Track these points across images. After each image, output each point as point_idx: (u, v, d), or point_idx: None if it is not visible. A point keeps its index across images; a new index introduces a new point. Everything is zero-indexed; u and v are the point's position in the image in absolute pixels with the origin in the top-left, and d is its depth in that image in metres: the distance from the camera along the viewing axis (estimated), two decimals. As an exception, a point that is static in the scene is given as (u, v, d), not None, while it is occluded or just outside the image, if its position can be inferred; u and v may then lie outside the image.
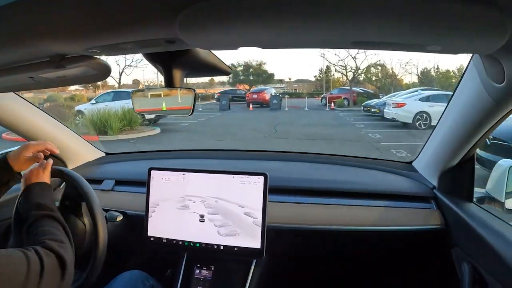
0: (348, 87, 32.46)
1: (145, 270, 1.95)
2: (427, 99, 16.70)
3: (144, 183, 1.98)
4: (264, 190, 1.83)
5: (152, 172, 1.96)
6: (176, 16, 0.84)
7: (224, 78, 50.91)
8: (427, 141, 2.03)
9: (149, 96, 1.58)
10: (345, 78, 37.60)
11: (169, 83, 1.36)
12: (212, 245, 1.87)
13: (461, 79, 1.56)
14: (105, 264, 1.66)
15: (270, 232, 1.87)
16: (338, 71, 41.69)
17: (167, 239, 1.92)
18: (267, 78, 51.94)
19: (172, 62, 1.35)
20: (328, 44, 1.13)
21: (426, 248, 2.01)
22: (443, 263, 1.87)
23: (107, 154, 2.74)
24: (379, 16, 0.84)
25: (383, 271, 2.28)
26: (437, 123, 1.88)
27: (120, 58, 43.78)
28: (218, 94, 36.90)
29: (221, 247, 1.86)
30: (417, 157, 2.25)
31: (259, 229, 1.81)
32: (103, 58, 1.29)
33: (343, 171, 2.42)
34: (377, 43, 1.03)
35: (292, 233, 1.98)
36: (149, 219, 1.95)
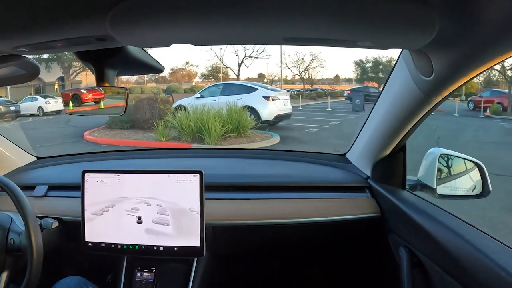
0: (500, 89, 25.78)
1: (86, 276, 1.89)
2: None
3: (78, 187, 1.92)
4: (200, 187, 1.82)
5: (86, 175, 1.90)
6: (107, 13, 0.82)
7: (351, 75, 47.22)
8: (359, 132, 2.08)
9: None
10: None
11: (101, 81, 1.34)
12: (152, 246, 1.84)
13: (391, 72, 1.61)
14: (43, 273, 1.60)
15: (209, 230, 1.87)
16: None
17: (105, 243, 1.87)
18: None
19: (103, 60, 1.32)
20: (259, 40, 1.14)
21: (364, 236, 2.07)
22: (382, 249, 1.92)
23: (38, 158, 2.64)
24: (310, 13, 0.85)
25: (324, 262, 2.33)
26: (369, 115, 1.93)
27: (239, 48, 41.67)
28: (349, 91, 32.45)
29: (161, 248, 1.83)
30: (350, 149, 2.30)
31: (198, 228, 1.80)
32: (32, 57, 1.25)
33: (279, 165, 2.44)
34: (309, 39, 1.04)
35: (231, 230, 1.98)
36: (85, 224, 1.89)
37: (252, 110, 14.30)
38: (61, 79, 38.52)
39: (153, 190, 1.85)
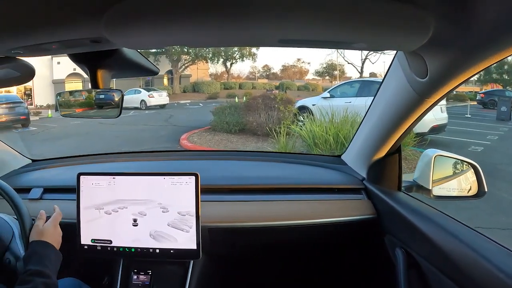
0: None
1: (81, 278, 1.89)
2: None
3: (74, 190, 1.91)
4: (196, 190, 1.81)
5: (81, 177, 1.90)
6: (102, 15, 0.82)
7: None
8: (355, 134, 2.09)
9: (74, 99, 1.53)
10: None
11: (96, 84, 1.33)
12: (148, 249, 1.84)
13: (386, 74, 1.61)
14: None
15: (205, 232, 1.87)
16: None
17: (101, 246, 1.87)
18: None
19: (98, 62, 1.32)
20: (255, 42, 1.14)
21: (360, 238, 2.07)
22: (378, 251, 1.93)
23: (33, 160, 2.63)
24: (304, 15, 0.86)
25: (320, 263, 2.33)
26: (364, 117, 1.94)
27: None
28: (482, 95, 27.92)
29: (157, 251, 1.83)
30: (345, 151, 2.31)
31: (194, 230, 1.80)
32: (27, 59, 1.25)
33: (274, 167, 2.45)
34: (304, 41, 1.05)
35: (227, 232, 1.98)
36: (81, 226, 1.88)
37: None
38: (170, 72, 38.67)
39: (149, 193, 1.85)
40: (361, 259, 2.18)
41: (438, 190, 1.82)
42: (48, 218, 1.72)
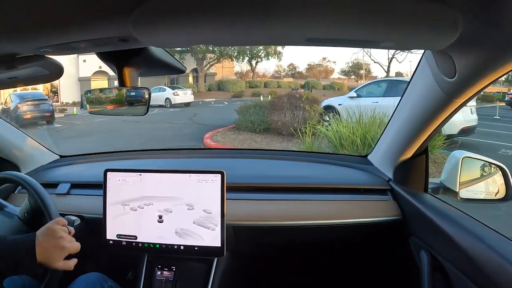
0: None
1: (106, 273, 1.91)
2: None
3: (100, 185, 1.94)
4: (221, 188, 1.82)
5: (108, 173, 1.92)
6: (130, 13, 0.83)
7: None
8: (381, 134, 2.07)
9: (103, 96, 1.54)
10: None
11: (123, 82, 1.34)
12: (172, 245, 1.85)
13: (414, 74, 1.60)
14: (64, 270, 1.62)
15: (229, 230, 1.88)
16: None
17: (126, 241, 1.89)
18: None
19: (126, 61, 1.33)
20: (282, 41, 1.14)
21: (385, 239, 2.05)
22: (402, 253, 1.91)
23: (61, 156, 2.67)
24: (333, 13, 0.85)
25: (344, 263, 2.31)
26: (391, 117, 1.92)
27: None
28: (511, 96, 26.25)
29: (181, 247, 1.84)
30: (372, 151, 2.28)
31: (219, 228, 1.81)
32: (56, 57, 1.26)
33: (300, 166, 2.44)
34: (331, 40, 1.04)
35: (252, 230, 1.98)
36: (107, 222, 1.91)
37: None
38: (195, 70, 38.90)
39: (174, 190, 1.86)
40: (385, 260, 2.16)
41: (465, 193, 1.80)
42: (73, 215, 1.76)
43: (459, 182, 1.78)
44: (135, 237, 1.88)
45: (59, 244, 1.43)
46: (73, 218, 1.90)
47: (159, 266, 1.93)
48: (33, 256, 1.36)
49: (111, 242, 1.90)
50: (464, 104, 1.39)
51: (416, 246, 1.79)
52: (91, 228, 1.94)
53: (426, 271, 1.62)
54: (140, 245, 1.88)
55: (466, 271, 1.43)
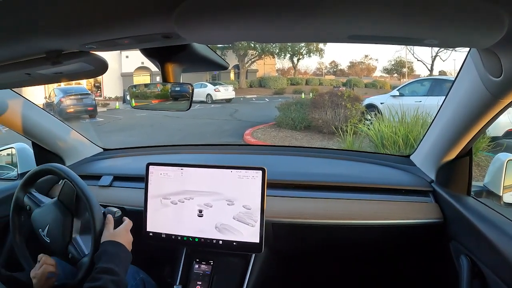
0: None
1: (143, 265, 1.95)
2: None
3: (142, 179, 1.98)
4: (262, 184, 1.83)
5: (151, 167, 1.96)
6: (173, 10, 0.84)
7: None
8: (425, 134, 2.03)
9: (148, 91, 1.56)
10: None
11: (166, 78, 1.36)
12: (211, 240, 1.87)
13: (459, 73, 1.56)
14: None
15: (268, 227, 1.88)
16: None
17: (166, 234, 1.92)
18: None
19: (169, 57, 1.34)
20: (325, 38, 1.13)
21: (425, 242, 2.02)
22: (441, 257, 1.87)
23: (104, 149, 2.73)
24: (376, 10, 0.84)
25: (381, 265, 2.29)
26: (435, 117, 1.88)
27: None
28: None
29: (220, 242, 1.86)
30: (415, 151, 2.24)
31: (258, 224, 1.82)
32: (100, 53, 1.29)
33: (341, 165, 2.42)
34: (374, 37, 1.02)
35: (290, 228, 1.98)
36: (147, 214, 1.95)
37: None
38: (237, 67, 39.19)
39: (215, 185, 1.88)
40: (424, 264, 2.13)
41: (509, 197, 1.75)
42: (114, 207, 1.80)
43: (503, 186, 1.74)
44: (175, 230, 1.91)
45: None
46: (115, 209, 1.94)
47: (197, 260, 1.95)
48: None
49: (151, 234, 1.94)
50: (510, 104, 1.35)
51: (456, 250, 1.76)
52: (131, 220, 1.98)
53: (465, 277, 1.58)
54: (179, 238, 1.91)
55: (506, 279, 1.39)
